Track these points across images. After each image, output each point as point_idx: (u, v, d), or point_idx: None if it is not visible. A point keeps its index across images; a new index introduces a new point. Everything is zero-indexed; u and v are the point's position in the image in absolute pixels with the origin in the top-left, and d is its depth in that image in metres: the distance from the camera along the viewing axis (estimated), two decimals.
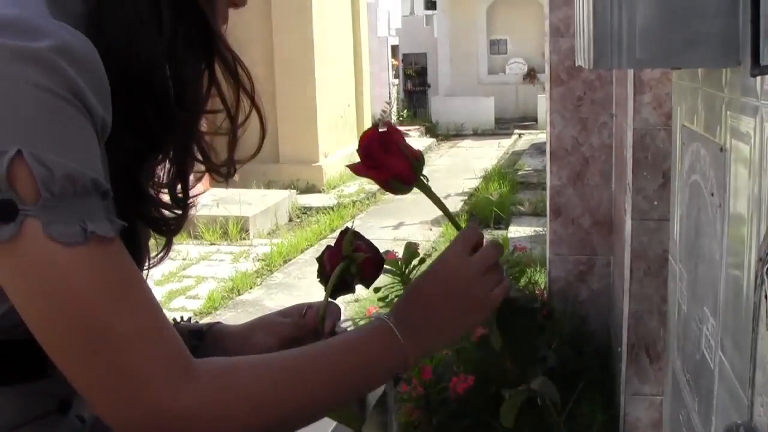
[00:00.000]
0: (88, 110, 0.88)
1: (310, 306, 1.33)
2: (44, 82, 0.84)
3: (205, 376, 0.94)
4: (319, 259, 1.33)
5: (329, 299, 1.31)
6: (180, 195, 1.12)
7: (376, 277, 1.34)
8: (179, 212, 1.12)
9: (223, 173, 1.17)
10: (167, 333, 0.93)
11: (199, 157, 1.12)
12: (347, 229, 1.32)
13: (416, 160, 1.22)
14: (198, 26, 1.04)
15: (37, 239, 0.84)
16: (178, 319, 1.36)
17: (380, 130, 1.21)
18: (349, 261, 1.30)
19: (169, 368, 0.91)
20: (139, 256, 1.06)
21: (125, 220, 0.92)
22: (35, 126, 0.84)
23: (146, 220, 1.07)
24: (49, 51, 0.84)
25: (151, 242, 1.16)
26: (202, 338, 1.32)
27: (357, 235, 1.32)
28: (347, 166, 1.29)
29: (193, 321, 1.39)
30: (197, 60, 1.06)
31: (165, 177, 1.11)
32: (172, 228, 1.12)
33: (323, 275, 1.32)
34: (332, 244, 1.33)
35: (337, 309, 1.33)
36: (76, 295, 0.86)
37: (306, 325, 1.31)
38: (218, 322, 1.37)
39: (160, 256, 1.18)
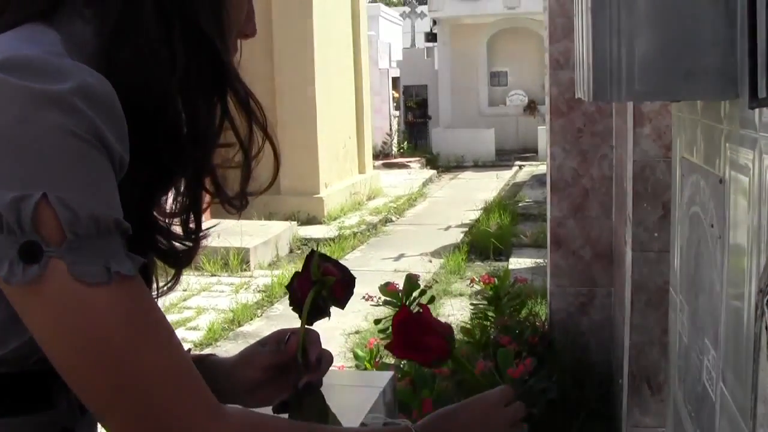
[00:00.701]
0: (108, 150, 0.89)
1: (292, 333, 1.32)
2: (67, 125, 0.85)
3: (234, 420, 0.97)
4: (289, 287, 1.32)
5: (306, 326, 1.31)
6: (192, 227, 1.13)
7: (349, 296, 1.36)
8: (190, 244, 1.14)
9: (236, 205, 1.19)
10: (194, 372, 0.96)
11: (212, 189, 1.15)
12: (313, 252, 1.32)
13: (449, 335, 1.29)
14: (210, 60, 1.04)
15: (62, 279, 0.85)
16: None
17: (414, 312, 1.27)
18: (319, 285, 1.30)
19: (200, 407, 0.93)
20: (149, 287, 1.07)
21: (137, 253, 0.94)
22: (59, 169, 0.85)
23: (157, 252, 1.08)
24: (70, 93, 0.86)
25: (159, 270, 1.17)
26: None
27: (324, 257, 1.32)
28: (385, 347, 1.33)
29: (191, 353, 1.38)
30: (209, 94, 1.06)
31: (177, 209, 1.12)
32: (182, 260, 1.14)
33: (295, 303, 1.31)
34: (300, 270, 1.32)
35: (316, 336, 1.32)
36: (104, 334, 0.88)
37: (287, 353, 1.29)
38: (210, 355, 1.37)
39: (168, 286, 1.20)
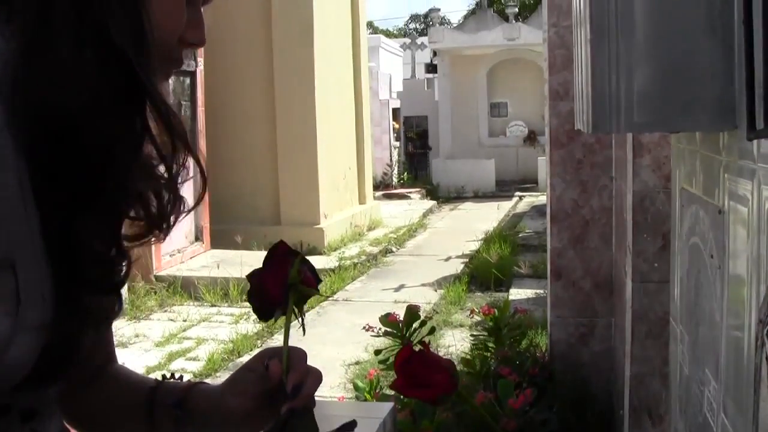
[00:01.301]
0: None
1: (272, 354, 1.19)
2: None
3: None
4: (254, 281, 1.20)
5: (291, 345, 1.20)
6: (116, 249, 1.05)
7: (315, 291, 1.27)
8: (116, 267, 1.05)
9: (161, 230, 1.09)
10: None
11: (134, 212, 1.06)
12: (280, 246, 1.20)
13: (453, 370, 1.28)
14: (124, 76, 0.96)
15: None
16: (166, 377, 1.29)
17: (416, 349, 1.26)
18: (296, 294, 1.21)
19: None
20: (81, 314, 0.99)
21: (61, 279, 0.91)
22: None
23: (82, 278, 1.00)
24: None
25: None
26: (183, 406, 1.22)
27: (303, 261, 1.22)
28: (390, 387, 1.29)
29: (184, 379, 1.30)
30: (127, 112, 0.98)
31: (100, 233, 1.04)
32: (107, 285, 1.04)
33: (263, 301, 1.20)
34: (265, 264, 1.20)
35: (302, 354, 1.20)
36: None
37: (271, 378, 1.17)
38: (198, 383, 1.28)
39: (115, 311, 1.09)
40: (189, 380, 1.27)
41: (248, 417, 1.19)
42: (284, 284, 1.18)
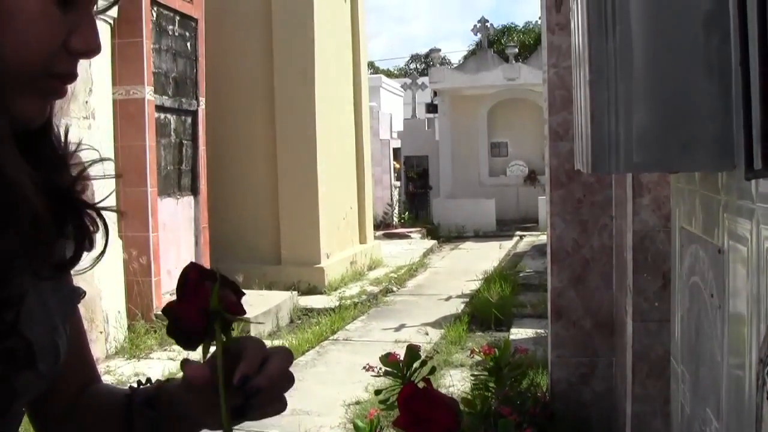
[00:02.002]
0: None
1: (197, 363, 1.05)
2: None
3: None
4: (170, 315, 1.07)
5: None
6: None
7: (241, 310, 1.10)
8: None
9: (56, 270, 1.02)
10: None
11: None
12: (191, 271, 1.07)
13: (457, 407, 1.27)
14: None
15: None
16: (136, 384, 1.24)
17: (419, 386, 1.25)
18: (219, 321, 1.07)
19: None
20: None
21: None
22: None
23: None
24: None
25: None
26: (155, 405, 1.16)
27: (223, 281, 1.08)
28: (393, 424, 1.25)
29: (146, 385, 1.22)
30: None
31: None
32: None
33: (185, 332, 1.07)
34: (178, 296, 1.08)
35: (258, 344, 1.08)
36: None
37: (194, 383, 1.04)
38: (166, 381, 1.19)
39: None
40: (158, 380, 1.21)
41: (206, 410, 1.08)
42: (204, 312, 1.05)
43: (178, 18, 10.43)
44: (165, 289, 9.83)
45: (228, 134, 12.60)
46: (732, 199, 1.48)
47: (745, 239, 1.39)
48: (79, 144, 1.10)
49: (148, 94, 9.38)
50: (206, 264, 10.91)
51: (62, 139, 1.07)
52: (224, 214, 12.20)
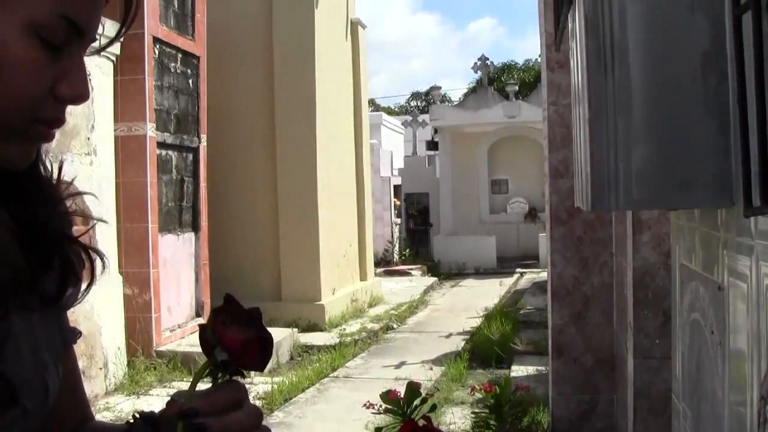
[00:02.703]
0: None
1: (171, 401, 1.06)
2: None
3: None
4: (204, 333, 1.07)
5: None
6: None
7: (266, 358, 1.12)
8: None
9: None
10: None
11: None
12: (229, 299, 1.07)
13: None
14: None
15: None
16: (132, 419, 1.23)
17: (420, 424, 1.25)
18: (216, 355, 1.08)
19: None
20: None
21: None
22: None
23: None
24: None
25: None
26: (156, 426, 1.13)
27: (227, 315, 1.07)
28: None
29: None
30: None
31: None
32: None
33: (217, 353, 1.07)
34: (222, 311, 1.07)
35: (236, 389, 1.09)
36: None
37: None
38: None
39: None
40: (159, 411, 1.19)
41: None
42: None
43: (180, 55, 10.50)
44: (165, 325, 9.81)
45: (229, 171, 12.64)
46: (731, 236, 1.49)
47: (745, 276, 1.40)
48: (61, 169, 1.10)
49: (150, 130, 9.42)
50: (207, 301, 10.89)
51: (53, 173, 1.06)
52: (225, 251, 12.20)
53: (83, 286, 1.08)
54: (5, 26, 0.86)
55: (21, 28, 0.87)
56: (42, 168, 1.05)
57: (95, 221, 1.13)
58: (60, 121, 0.95)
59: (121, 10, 1.01)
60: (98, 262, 1.09)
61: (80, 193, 1.13)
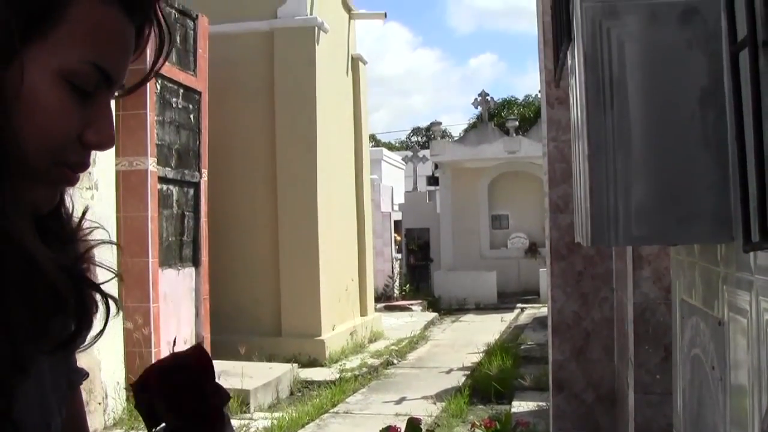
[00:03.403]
0: None
1: None
2: None
3: None
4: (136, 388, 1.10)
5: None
6: None
7: (201, 411, 1.11)
8: None
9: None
10: None
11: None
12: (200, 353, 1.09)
13: None
14: None
15: None
16: None
17: None
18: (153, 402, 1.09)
19: None
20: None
21: None
22: None
23: None
24: None
25: None
26: None
27: (166, 372, 1.08)
28: None
29: None
30: None
31: None
32: None
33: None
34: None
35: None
36: None
37: None
38: None
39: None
40: None
41: None
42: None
43: (181, 90, 10.56)
44: None
45: (230, 206, 12.66)
46: (731, 271, 1.49)
47: (745, 311, 1.40)
48: (84, 213, 1.10)
49: (151, 165, 9.45)
50: (207, 336, 10.87)
51: (70, 213, 1.08)
52: (225, 286, 12.19)
53: (95, 330, 1.08)
54: (39, 72, 0.88)
55: (53, 74, 0.89)
56: (64, 209, 1.06)
57: (116, 273, 1.13)
58: (85, 165, 0.97)
59: (152, 51, 1.04)
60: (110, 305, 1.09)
61: (103, 242, 1.13)
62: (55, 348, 1.01)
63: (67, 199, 1.06)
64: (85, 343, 1.07)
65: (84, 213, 1.10)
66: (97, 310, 1.06)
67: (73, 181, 0.98)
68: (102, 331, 1.08)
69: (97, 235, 1.11)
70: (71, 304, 0.98)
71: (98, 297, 1.06)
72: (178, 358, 1.12)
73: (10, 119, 0.87)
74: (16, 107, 0.87)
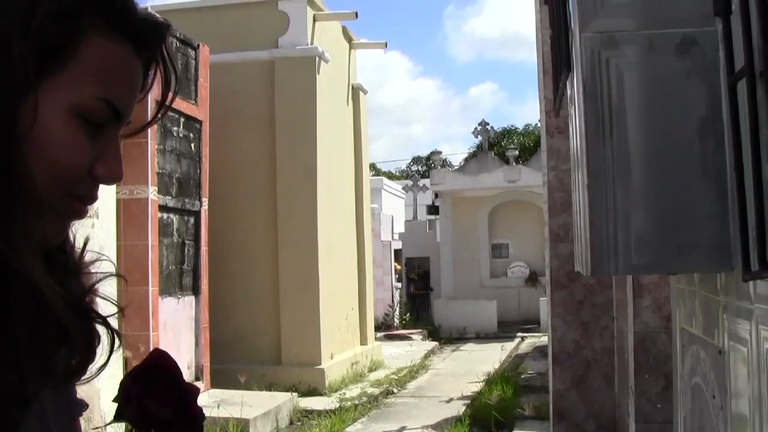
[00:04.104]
0: None
1: None
2: None
3: None
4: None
5: None
6: None
7: (186, 403, 1.12)
8: None
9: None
10: None
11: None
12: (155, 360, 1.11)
13: None
14: None
15: None
16: None
17: None
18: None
19: None
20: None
21: None
22: None
23: None
24: None
25: None
26: None
27: (143, 377, 1.09)
28: None
29: None
30: None
31: None
32: None
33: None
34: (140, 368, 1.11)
35: None
36: None
37: None
38: None
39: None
40: None
41: None
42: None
43: (183, 119, 10.59)
44: None
45: (230, 234, 12.66)
46: (731, 300, 1.50)
47: (745, 340, 1.40)
48: (85, 244, 1.11)
49: (152, 194, 9.46)
50: (207, 365, 10.84)
51: (73, 245, 1.08)
52: (225, 314, 12.16)
53: (98, 363, 1.08)
54: (51, 107, 0.91)
55: (65, 110, 0.92)
56: (68, 241, 1.06)
57: (119, 308, 1.13)
58: (93, 198, 0.99)
59: (159, 91, 1.06)
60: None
61: (109, 275, 1.14)
62: (59, 381, 1.02)
63: (71, 231, 1.07)
64: (88, 375, 1.07)
65: (85, 244, 1.10)
66: (99, 343, 1.06)
67: (82, 214, 1.00)
68: (105, 365, 1.09)
69: (101, 266, 1.12)
70: (76, 338, 0.99)
71: (102, 329, 1.07)
72: (144, 365, 1.13)
73: (23, 153, 0.88)
74: (28, 141, 0.89)
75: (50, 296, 0.91)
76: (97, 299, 1.09)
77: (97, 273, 1.11)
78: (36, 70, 0.88)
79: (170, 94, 1.06)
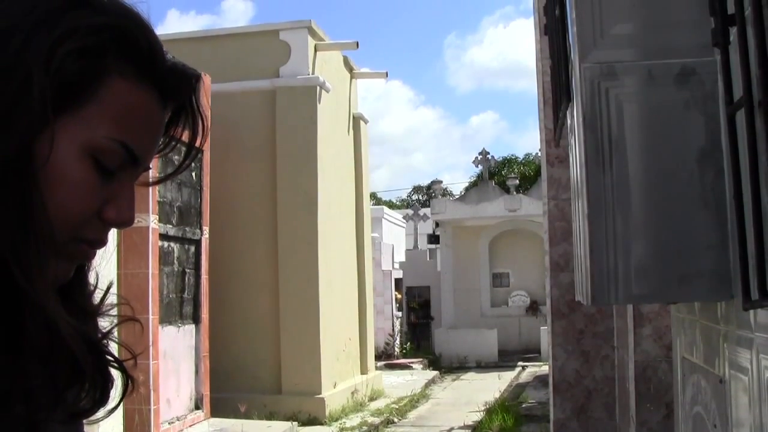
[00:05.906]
0: None
1: None
2: None
3: None
4: None
5: None
6: None
7: None
8: None
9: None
10: None
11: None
12: None
13: None
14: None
15: None
16: None
17: None
18: None
19: None
20: None
21: None
22: None
23: None
24: None
25: None
26: None
27: None
28: None
29: None
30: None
31: None
32: None
33: None
34: None
35: None
36: None
37: None
38: None
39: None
40: None
41: None
42: None
43: (183, 149, 10.60)
44: (164, 417, 9.71)
45: (231, 263, 12.66)
46: (731, 329, 1.50)
47: (746, 369, 1.40)
48: (108, 288, 1.10)
49: (153, 222, 9.46)
50: (207, 393, 10.80)
51: (94, 286, 1.08)
52: (225, 343, 12.14)
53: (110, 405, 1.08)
54: (66, 144, 0.89)
55: (79, 149, 0.90)
56: (88, 282, 1.06)
57: (134, 355, 1.13)
58: (103, 242, 0.97)
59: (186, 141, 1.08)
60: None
61: (128, 319, 1.15)
62: (69, 418, 1.01)
63: (92, 274, 1.06)
64: (97, 417, 1.07)
65: (109, 287, 1.10)
66: (113, 386, 1.06)
67: (90, 257, 0.99)
68: (116, 407, 1.08)
69: (121, 310, 1.11)
70: (91, 376, 0.98)
71: (120, 373, 1.06)
72: None
73: (38, 189, 0.87)
74: (42, 178, 0.88)
75: (65, 330, 0.90)
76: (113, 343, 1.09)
77: (116, 317, 1.10)
78: (54, 105, 0.87)
79: (198, 140, 1.06)
